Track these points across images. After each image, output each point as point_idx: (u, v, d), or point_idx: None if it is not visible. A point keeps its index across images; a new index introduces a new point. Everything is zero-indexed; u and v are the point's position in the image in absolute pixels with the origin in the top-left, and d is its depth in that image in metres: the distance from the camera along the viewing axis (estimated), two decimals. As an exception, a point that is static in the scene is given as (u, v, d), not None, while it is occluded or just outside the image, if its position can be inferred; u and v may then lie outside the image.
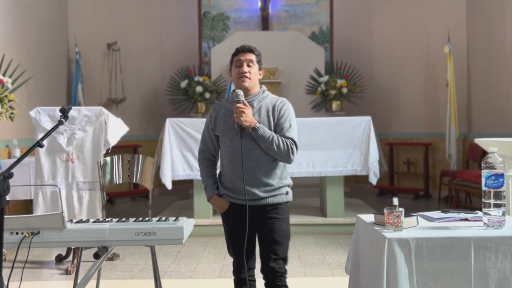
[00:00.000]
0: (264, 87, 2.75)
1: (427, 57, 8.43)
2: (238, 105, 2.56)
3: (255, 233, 2.67)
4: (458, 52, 7.85)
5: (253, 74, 2.66)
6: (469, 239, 2.10)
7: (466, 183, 6.30)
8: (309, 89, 8.24)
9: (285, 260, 2.65)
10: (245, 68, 2.64)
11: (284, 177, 2.68)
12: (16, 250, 2.18)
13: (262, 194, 2.60)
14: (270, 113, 2.64)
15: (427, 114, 8.48)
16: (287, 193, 2.69)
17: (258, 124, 2.56)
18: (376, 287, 2.13)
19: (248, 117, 2.55)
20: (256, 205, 2.60)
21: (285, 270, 2.63)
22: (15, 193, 4.82)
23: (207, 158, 2.78)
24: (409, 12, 8.53)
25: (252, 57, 2.68)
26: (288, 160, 2.61)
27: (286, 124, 2.64)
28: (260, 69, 2.73)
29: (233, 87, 2.79)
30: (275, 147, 2.55)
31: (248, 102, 2.61)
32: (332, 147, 5.60)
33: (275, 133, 2.61)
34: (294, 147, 2.60)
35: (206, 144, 2.78)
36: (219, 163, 2.80)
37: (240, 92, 2.59)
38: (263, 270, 2.63)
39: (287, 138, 2.60)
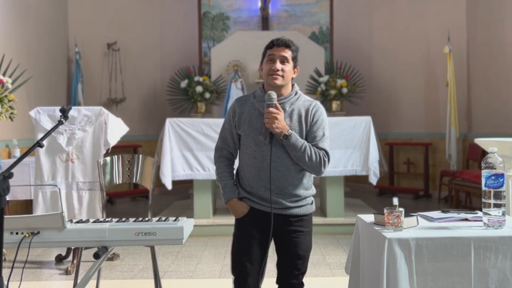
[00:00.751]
0: (296, 87, 2.50)
1: (427, 57, 8.43)
2: (271, 109, 2.31)
3: (270, 244, 2.45)
4: (458, 52, 7.85)
5: (287, 72, 2.40)
6: (469, 239, 2.10)
7: (466, 183, 6.30)
8: (309, 89, 8.24)
9: (304, 274, 2.50)
10: (278, 65, 2.38)
11: (309, 186, 2.49)
12: (16, 250, 2.18)
13: (288, 204, 2.40)
14: (303, 119, 2.41)
15: (427, 114, 8.48)
16: (312, 203, 2.51)
17: (290, 131, 2.32)
18: (376, 287, 2.13)
19: (281, 123, 2.31)
20: (280, 214, 2.40)
21: (303, 283, 2.49)
22: (15, 193, 4.82)
23: (225, 156, 2.53)
24: (409, 12, 8.53)
25: (288, 53, 2.42)
26: (318, 173, 2.40)
27: (319, 132, 2.41)
28: (295, 66, 2.46)
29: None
30: (306, 158, 2.34)
31: (280, 105, 2.37)
32: (332, 147, 5.51)
33: (307, 140, 2.39)
34: (326, 159, 2.39)
35: (226, 142, 2.53)
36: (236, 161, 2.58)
37: (274, 95, 2.34)
38: (281, 283, 2.47)
39: (320, 149, 2.38)
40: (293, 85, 2.49)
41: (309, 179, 2.47)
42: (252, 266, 2.40)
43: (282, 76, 2.39)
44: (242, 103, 2.49)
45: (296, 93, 2.46)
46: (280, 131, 2.31)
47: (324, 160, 2.38)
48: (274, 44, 2.43)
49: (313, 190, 2.51)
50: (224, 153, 2.54)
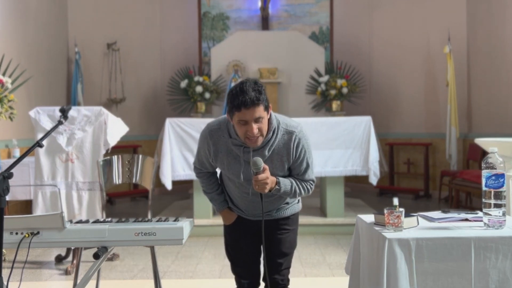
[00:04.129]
0: (273, 123, 2.26)
1: (427, 57, 8.43)
2: (259, 176, 2.17)
3: (260, 244, 2.50)
4: (458, 52, 7.84)
5: (264, 127, 2.20)
6: (469, 239, 2.10)
7: (466, 183, 6.30)
8: (309, 89, 8.24)
9: (288, 269, 2.56)
10: (255, 130, 2.15)
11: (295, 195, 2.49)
12: (16, 250, 2.18)
13: (276, 215, 2.50)
14: (285, 158, 2.30)
15: (427, 114, 8.47)
16: (298, 201, 2.56)
17: (278, 184, 2.28)
18: (376, 287, 2.13)
19: (270, 184, 2.23)
20: (267, 220, 2.44)
21: (288, 279, 2.56)
22: (15, 193, 4.82)
23: (204, 172, 2.52)
24: (409, 12, 8.53)
25: (260, 109, 2.14)
26: (305, 195, 2.46)
27: (303, 165, 2.34)
28: (268, 109, 2.22)
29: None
30: (296, 195, 2.39)
31: (257, 151, 2.26)
32: (332, 147, 5.60)
33: (291, 173, 2.37)
34: (313, 186, 2.41)
35: (203, 165, 2.48)
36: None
37: (260, 161, 2.17)
38: (266, 280, 2.52)
39: (307, 181, 2.37)
40: (269, 119, 2.25)
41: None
42: (248, 257, 2.54)
43: (262, 135, 2.21)
44: (217, 139, 2.32)
45: (273, 132, 2.26)
46: (270, 189, 2.26)
47: (310, 188, 2.42)
48: (242, 107, 2.11)
49: (299, 195, 2.50)
50: (203, 171, 2.52)
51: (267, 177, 2.20)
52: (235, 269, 2.60)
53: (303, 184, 2.37)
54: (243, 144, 2.26)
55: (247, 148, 2.26)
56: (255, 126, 2.15)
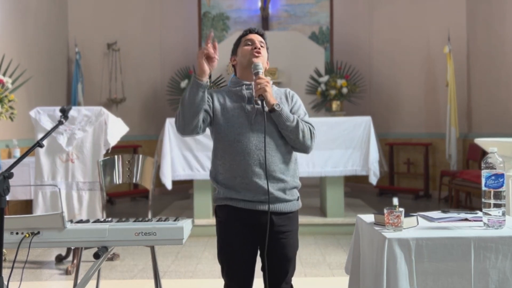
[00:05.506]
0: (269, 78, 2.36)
1: (427, 57, 8.43)
2: (261, 76, 2.21)
3: (257, 247, 2.26)
4: (458, 52, 7.85)
5: (264, 57, 2.35)
6: (469, 239, 2.10)
7: (466, 183, 6.30)
8: (309, 89, 8.24)
9: (293, 275, 2.36)
10: (258, 45, 2.33)
11: (296, 175, 2.32)
12: (16, 250, 2.18)
13: (276, 193, 2.20)
14: (284, 101, 2.33)
15: (427, 114, 8.48)
16: (298, 199, 2.33)
17: (278, 106, 2.19)
18: (376, 287, 2.13)
19: (270, 95, 2.19)
20: (264, 211, 2.17)
21: (292, 286, 2.37)
22: (15, 193, 4.82)
23: None
24: (409, 12, 8.53)
25: (263, 41, 2.39)
26: (309, 148, 2.27)
27: (301, 111, 2.34)
28: (267, 54, 2.41)
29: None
30: (300, 130, 2.20)
31: (244, 91, 2.29)
32: (332, 147, 5.60)
33: None
34: (314, 132, 2.28)
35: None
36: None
37: (259, 63, 2.26)
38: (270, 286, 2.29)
39: (307, 123, 2.28)
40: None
41: (295, 166, 2.31)
42: (244, 269, 2.25)
43: (263, 57, 2.33)
44: (217, 91, 2.37)
45: (272, 84, 2.32)
46: (270, 100, 2.17)
47: (313, 132, 2.27)
48: (250, 31, 2.39)
49: (299, 181, 2.34)
50: None
51: (268, 81, 2.22)
52: (229, 283, 2.30)
53: (304, 122, 2.26)
54: (255, 71, 2.25)
55: (258, 73, 2.23)
56: (259, 46, 2.33)
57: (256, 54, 2.30)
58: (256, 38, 2.36)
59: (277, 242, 2.24)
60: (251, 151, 2.19)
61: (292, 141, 2.24)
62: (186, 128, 2.19)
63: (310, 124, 2.29)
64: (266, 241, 2.14)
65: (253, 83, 2.25)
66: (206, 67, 2.20)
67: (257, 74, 2.22)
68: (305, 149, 2.28)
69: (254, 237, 2.24)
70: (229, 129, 2.23)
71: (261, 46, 2.34)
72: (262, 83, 2.18)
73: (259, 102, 2.19)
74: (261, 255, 2.22)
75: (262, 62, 2.30)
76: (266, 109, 2.19)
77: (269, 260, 2.19)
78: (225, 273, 2.29)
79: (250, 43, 2.34)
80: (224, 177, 2.25)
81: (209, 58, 2.21)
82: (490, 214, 2.22)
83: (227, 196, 2.24)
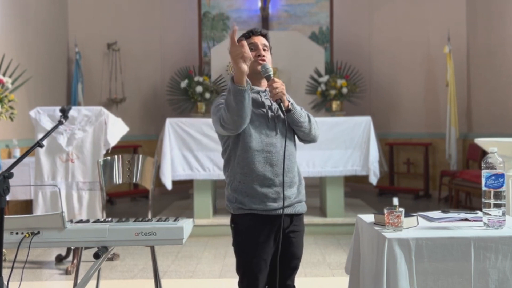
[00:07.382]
0: None
1: (427, 57, 8.44)
2: (276, 80, 2.17)
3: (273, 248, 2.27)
4: (458, 52, 7.85)
5: (269, 60, 2.31)
6: (469, 239, 2.10)
7: (466, 183, 6.30)
8: (309, 89, 8.24)
9: (296, 273, 2.41)
10: (262, 52, 2.29)
11: (300, 172, 2.36)
12: (16, 250, 2.18)
13: (295, 196, 2.27)
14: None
15: (427, 114, 8.48)
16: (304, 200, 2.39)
17: (291, 104, 2.24)
18: (376, 287, 2.13)
19: (285, 95, 2.19)
20: (286, 214, 2.22)
21: (294, 286, 2.41)
22: (15, 193, 4.83)
23: None
24: (409, 12, 8.53)
25: (266, 42, 2.34)
26: (318, 137, 2.36)
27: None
28: (271, 55, 2.39)
29: None
30: (312, 123, 2.29)
31: (262, 98, 2.28)
32: (332, 147, 5.60)
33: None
34: (316, 122, 2.37)
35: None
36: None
37: (268, 66, 2.23)
38: (274, 286, 2.29)
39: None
40: None
41: (297, 164, 2.35)
42: (265, 275, 2.26)
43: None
44: None
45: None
46: (285, 101, 2.19)
47: (315, 120, 2.35)
48: (253, 34, 2.32)
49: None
50: None
51: (283, 83, 2.19)
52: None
53: (306, 112, 2.32)
54: (265, 75, 2.23)
55: (270, 77, 2.21)
56: (263, 51, 2.28)
57: (261, 62, 2.26)
58: (260, 41, 2.31)
59: (287, 241, 2.29)
60: (278, 160, 2.21)
61: (305, 135, 2.31)
62: (243, 125, 2.16)
63: (310, 115, 2.36)
64: (280, 244, 2.18)
65: (266, 88, 2.25)
66: (246, 69, 2.08)
67: (269, 78, 2.20)
68: (315, 139, 2.37)
69: (273, 242, 2.25)
70: (258, 138, 2.21)
71: (265, 49, 2.31)
72: (279, 87, 2.16)
73: (279, 106, 2.19)
74: (273, 254, 2.26)
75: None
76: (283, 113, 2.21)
77: (274, 258, 2.22)
78: (247, 281, 2.25)
79: (253, 47, 2.28)
80: (245, 186, 2.22)
81: (244, 58, 2.09)
82: (490, 214, 2.22)
83: (248, 205, 2.21)
